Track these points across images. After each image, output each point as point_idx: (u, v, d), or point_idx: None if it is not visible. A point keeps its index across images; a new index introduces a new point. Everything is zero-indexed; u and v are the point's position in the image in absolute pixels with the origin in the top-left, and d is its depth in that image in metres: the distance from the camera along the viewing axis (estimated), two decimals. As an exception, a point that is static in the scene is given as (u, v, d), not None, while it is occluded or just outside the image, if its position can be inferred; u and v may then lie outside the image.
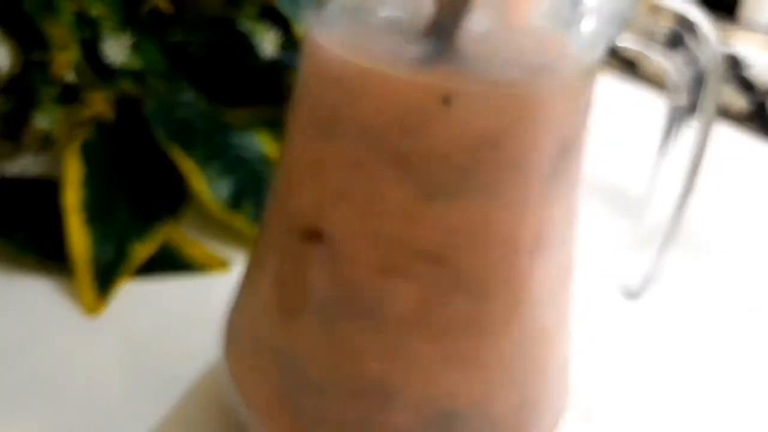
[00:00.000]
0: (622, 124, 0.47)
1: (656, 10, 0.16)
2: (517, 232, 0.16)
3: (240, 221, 0.29)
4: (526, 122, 0.14)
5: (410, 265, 0.15)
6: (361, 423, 0.16)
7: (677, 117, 0.17)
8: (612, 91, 0.53)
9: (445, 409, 0.16)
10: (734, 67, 0.49)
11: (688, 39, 0.16)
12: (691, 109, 0.17)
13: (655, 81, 0.54)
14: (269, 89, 0.37)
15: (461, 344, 0.15)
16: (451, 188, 0.14)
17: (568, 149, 0.15)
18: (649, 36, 0.16)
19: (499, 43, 0.14)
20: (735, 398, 0.25)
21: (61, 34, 0.27)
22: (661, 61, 0.16)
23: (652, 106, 0.17)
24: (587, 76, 0.15)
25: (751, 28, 0.73)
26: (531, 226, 0.16)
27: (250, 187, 0.30)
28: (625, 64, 0.57)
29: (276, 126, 0.34)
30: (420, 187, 0.14)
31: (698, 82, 0.17)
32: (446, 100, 0.13)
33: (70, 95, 0.29)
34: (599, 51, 0.15)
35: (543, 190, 0.16)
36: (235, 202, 0.29)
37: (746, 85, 0.49)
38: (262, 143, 0.31)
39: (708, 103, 0.17)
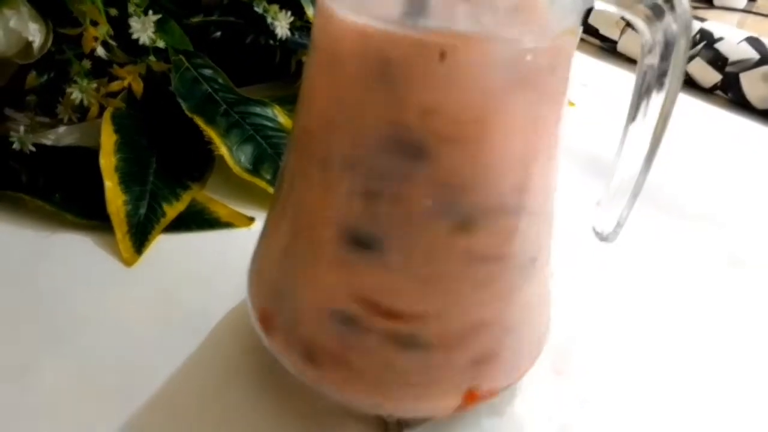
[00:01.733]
0: (600, 97, 0.47)
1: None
2: (505, 179, 0.16)
3: (260, 182, 0.29)
4: (513, 76, 0.15)
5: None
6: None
7: (649, 78, 0.18)
8: (593, 67, 0.54)
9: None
10: (707, 42, 0.50)
11: (663, 5, 0.17)
12: (664, 68, 0.18)
13: (631, 60, 0.54)
14: (282, 67, 0.38)
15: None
16: (446, 136, 0.15)
17: (551, 103, 0.16)
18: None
19: (489, 3, 0.14)
20: (700, 336, 0.26)
21: (90, 11, 0.27)
22: (635, 20, 0.17)
23: (628, 81, 0.17)
24: (568, 36, 0.15)
25: (724, 8, 0.73)
26: (516, 173, 0.16)
27: (268, 152, 0.30)
28: (604, 42, 0.57)
29: (288, 101, 0.34)
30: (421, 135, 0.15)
31: (669, 47, 0.17)
32: (442, 54, 0.13)
33: (101, 69, 0.30)
34: (579, 10, 0.15)
35: (528, 141, 0.16)
36: (255, 166, 0.30)
37: (717, 59, 0.49)
38: (277, 114, 0.32)
39: (677, 62, 0.17)
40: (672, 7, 0.16)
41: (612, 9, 0.16)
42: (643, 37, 0.17)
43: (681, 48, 0.17)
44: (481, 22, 0.14)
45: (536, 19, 0.15)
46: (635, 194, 0.20)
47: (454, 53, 0.14)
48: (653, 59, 0.17)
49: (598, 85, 0.49)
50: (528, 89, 0.15)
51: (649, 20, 0.16)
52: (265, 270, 0.20)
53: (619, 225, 0.21)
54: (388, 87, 0.15)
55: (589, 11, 0.17)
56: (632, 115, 0.19)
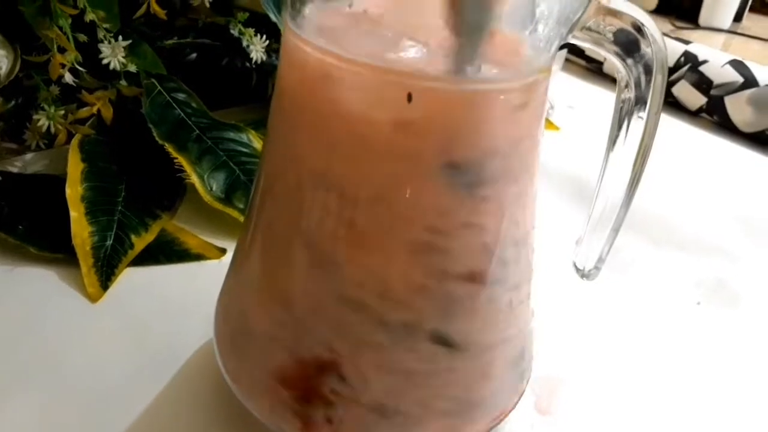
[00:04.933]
0: (586, 119, 0.47)
1: (607, 11, 0.16)
2: (479, 220, 0.16)
3: (232, 212, 0.29)
4: (484, 117, 0.14)
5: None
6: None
7: (626, 110, 0.18)
8: (579, 89, 0.54)
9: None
10: (692, 65, 0.50)
11: (638, 41, 0.17)
12: (641, 102, 0.18)
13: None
14: (257, 91, 0.38)
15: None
16: (416, 169, 0.14)
17: (525, 142, 0.16)
18: (600, 36, 0.17)
19: (459, 43, 0.14)
20: (688, 372, 0.26)
21: (58, 37, 0.27)
22: (611, 57, 0.17)
23: (611, 102, 0.17)
24: (541, 73, 0.15)
25: (709, 29, 0.74)
26: (492, 215, 0.16)
27: (241, 180, 0.30)
28: (590, 63, 0.57)
29: (264, 124, 0.34)
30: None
31: (647, 78, 0.17)
32: (409, 96, 0.13)
33: (69, 95, 0.29)
34: (552, 50, 0.15)
35: (501, 182, 0.16)
36: (227, 194, 0.29)
37: (702, 82, 0.49)
38: (252, 140, 0.32)
39: (654, 96, 0.17)
40: (648, 44, 0.16)
41: (588, 45, 0.16)
42: (618, 73, 0.17)
43: (657, 84, 0.17)
44: (450, 63, 0.14)
45: (509, 58, 0.14)
46: (616, 229, 0.20)
47: (422, 94, 0.13)
48: (630, 94, 0.17)
49: (584, 108, 0.49)
50: (500, 128, 0.15)
51: (622, 57, 0.16)
52: (232, 307, 0.20)
53: (600, 261, 0.20)
54: (354, 127, 0.14)
55: (564, 46, 0.16)
56: (611, 146, 0.19)
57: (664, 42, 0.17)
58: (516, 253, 0.17)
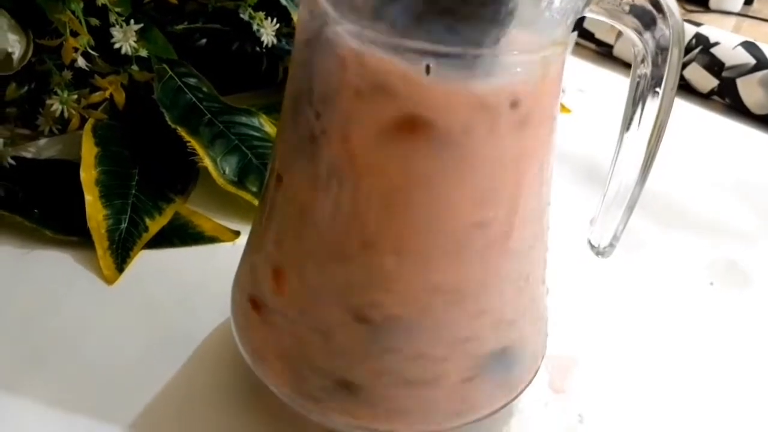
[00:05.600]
0: (597, 102, 0.47)
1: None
2: (494, 193, 0.16)
3: (245, 195, 0.29)
4: (499, 89, 0.14)
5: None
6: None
7: (642, 86, 0.18)
8: (589, 72, 0.54)
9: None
10: (703, 47, 0.50)
11: (655, 15, 0.17)
12: (657, 78, 0.18)
13: (628, 64, 0.54)
14: (268, 75, 0.38)
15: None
16: (433, 146, 0.14)
17: (542, 114, 0.16)
18: (616, 9, 0.16)
19: (475, 15, 0.14)
20: (702, 350, 0.26)
21: (70, 21, 0.27)
22: (627, 31, 0.17)
23: (625, 86, 0.17)
24: (557, 47, 0.15)
25: (720, 12, 0.73)
26: (506, 188, 0.16)
27: (254, 163, 0.30)
28: (600, 47, 0.57)
29: (275, 109, 0.34)
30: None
31: (663, 53, 0.17)
32: (427, 68, 0.13)
33: (82, 80, 0.29)
34: (569, 23, 0.15)
35: (516, 154, 0.16)
36: (240, 177, 0.29)
37: (714, 64, 0.49)
38: (263, 124, 0.32)
39: (671, 71, 0.17)
40: (664, 18, 0.16)
41: (603, 19, 0.16)
42: (635, 47, 0.17)
43: (674, 58, 0.16)
44: (466, 35, 0.14)
45: (524, 31, 0.14)
46: (630, 207, 0.20)
47: (439, 67, 0.13)
48: (645, 69, 0.17)
49: (594, 91, 0.49)
50: (517, 101, 0.15)
51: (638, 31, 0.16)
52: (248, 288, 0.20)
53: (615, 239, 0.20)
54: (375, 98, 0.14)
55: (580, 20, 0.16)
56: (626, 125, 0.19)
57: (680, 15, 0.16)
58: (531, 230, 0.17)
